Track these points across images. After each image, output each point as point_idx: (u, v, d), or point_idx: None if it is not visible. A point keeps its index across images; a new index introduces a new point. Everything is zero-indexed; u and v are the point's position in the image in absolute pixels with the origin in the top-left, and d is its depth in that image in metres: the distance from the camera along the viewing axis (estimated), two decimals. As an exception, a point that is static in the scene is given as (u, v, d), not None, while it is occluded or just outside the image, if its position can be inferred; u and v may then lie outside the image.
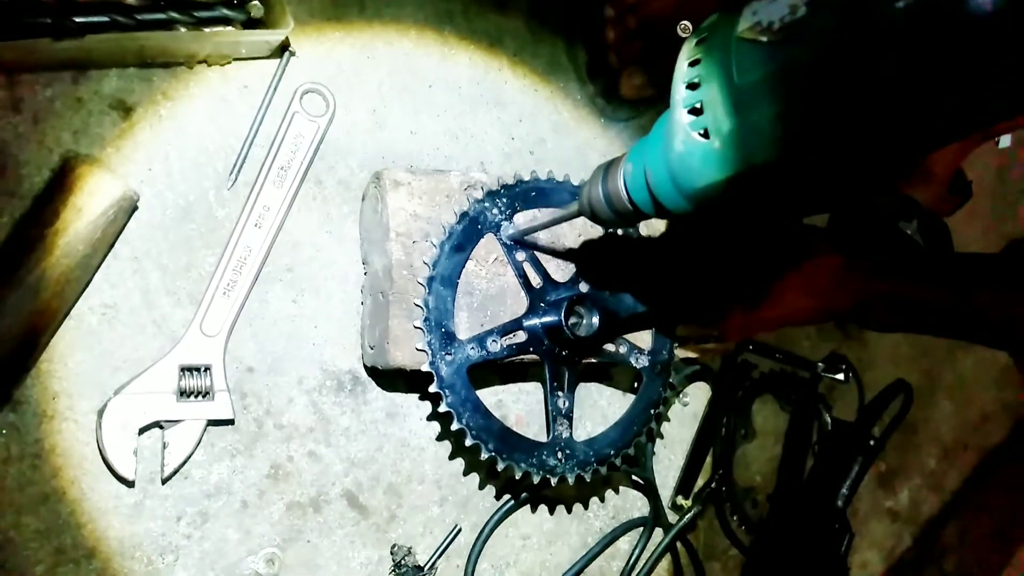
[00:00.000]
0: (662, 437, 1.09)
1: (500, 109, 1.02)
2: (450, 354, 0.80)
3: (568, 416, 0.87)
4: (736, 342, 1.12)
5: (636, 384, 0.96)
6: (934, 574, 1.37)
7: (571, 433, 0.87)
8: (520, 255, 0.87)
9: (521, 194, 0.87)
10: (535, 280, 0.87)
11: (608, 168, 0.70)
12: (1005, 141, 1.47)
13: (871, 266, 0.92)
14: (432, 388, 0.79)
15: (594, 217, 0.73)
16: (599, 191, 0.70)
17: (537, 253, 0.88)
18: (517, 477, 0.83)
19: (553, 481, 0.84)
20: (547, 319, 0.85)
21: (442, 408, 0.80)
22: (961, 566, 1.40)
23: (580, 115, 1.08)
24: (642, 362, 0.93)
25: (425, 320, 0.80)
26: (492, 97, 1.02)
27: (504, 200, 0.86)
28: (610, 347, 0.91)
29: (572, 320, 0.84)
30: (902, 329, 0.93)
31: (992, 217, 1.50)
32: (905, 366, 1.39)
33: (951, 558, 1.40)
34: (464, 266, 0.83)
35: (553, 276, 0.88)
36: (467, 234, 0.84)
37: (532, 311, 0.86)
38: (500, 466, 0.82)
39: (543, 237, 0.88)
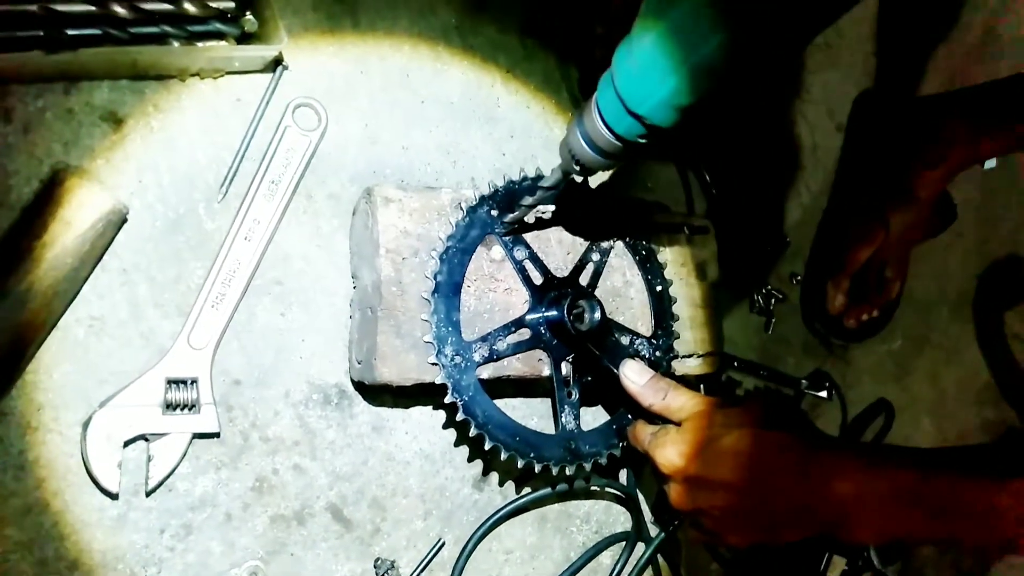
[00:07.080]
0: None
1: (492, 125, 1.02)
2: (460, 355, 0.82)
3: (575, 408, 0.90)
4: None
5: None
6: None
7: (577, 425, 0.90)
8: (520, 253, 0.88)
9: (517, 193, 0.89)
10: (536, 278, 0.89)
11: (582, 112, 0.73)
12: (990, 163, 1.50)
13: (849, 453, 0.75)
14: (447, 399, 0.81)
15: (580, 168, 0.76)
16: (577, 135, 0.73)
17: (536, 250, 0.90)
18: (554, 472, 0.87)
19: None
20: (549, 314, 0.87)
21: (459, 416, 0.82)
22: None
23: (571, 132, 1.09)
24: (644, 352, 0.94)
25: (435, 335, 0.81)
26: (484, 113, 1.02)
27: (501, 201, 0.88)
28: (612, 337, 0.91)
29: (574, 314, 0.86)
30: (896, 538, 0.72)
31: (976, 238, 1.52)
32: (888, 384, 1.40)
33: None
34: (466, 271, 0.85)
35: (554, 273, 0.90)
36: (466, 239, 0.85)
37: (534, 308, 0.88)
38: (528, 465, 0.85)
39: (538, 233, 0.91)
